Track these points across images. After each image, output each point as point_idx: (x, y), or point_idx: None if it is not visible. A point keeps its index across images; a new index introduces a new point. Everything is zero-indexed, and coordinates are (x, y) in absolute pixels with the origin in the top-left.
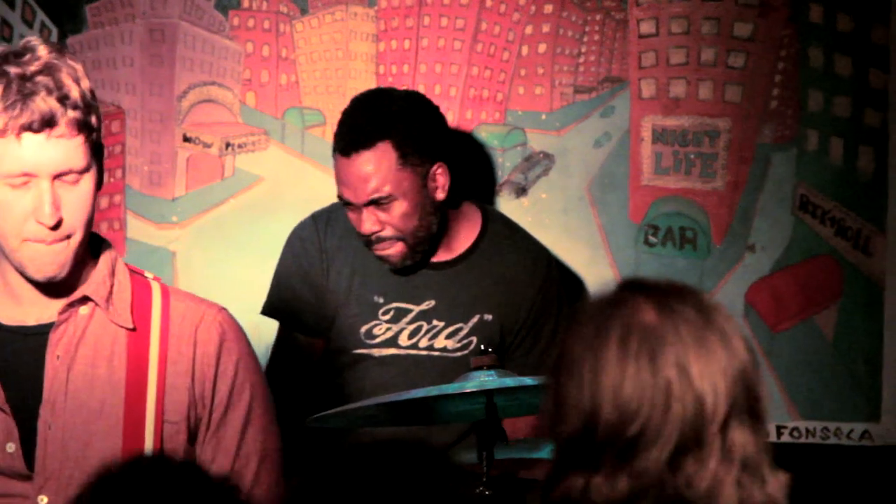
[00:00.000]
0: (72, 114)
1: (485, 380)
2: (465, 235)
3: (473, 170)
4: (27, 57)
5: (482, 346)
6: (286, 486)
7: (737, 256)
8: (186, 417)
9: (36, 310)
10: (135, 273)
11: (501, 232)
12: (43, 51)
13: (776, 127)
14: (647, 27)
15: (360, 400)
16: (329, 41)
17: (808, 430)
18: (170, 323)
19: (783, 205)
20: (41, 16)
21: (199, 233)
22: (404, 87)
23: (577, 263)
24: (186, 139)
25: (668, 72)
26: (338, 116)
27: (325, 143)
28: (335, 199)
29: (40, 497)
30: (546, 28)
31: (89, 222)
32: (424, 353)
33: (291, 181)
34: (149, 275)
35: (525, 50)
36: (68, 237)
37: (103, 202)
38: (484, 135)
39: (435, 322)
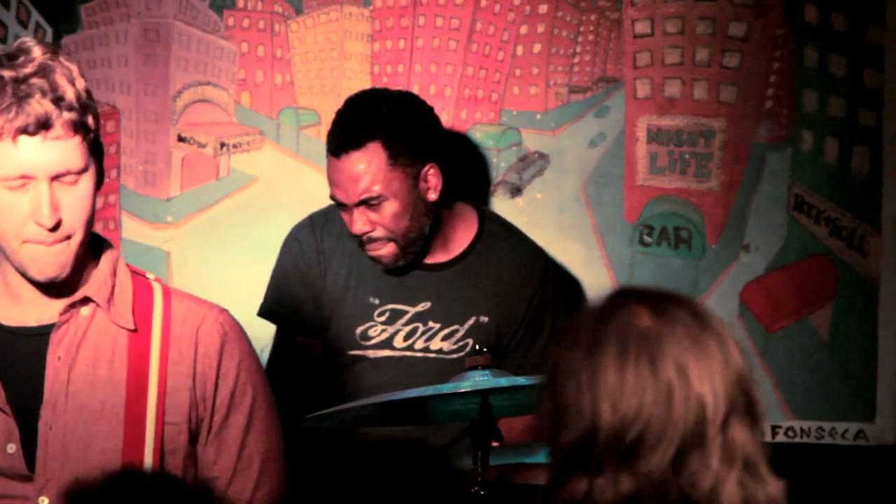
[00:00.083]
0: (67, 115)
1: (480, 380)
2: (461, 237)
3: (468, 170)
4: (21, 59)
5: (478, 348)
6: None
7: (732, 256)
8: (188, 419)
9: (37, 310)
10: (136, 274)
11: (498, 233)
12: (37, 52)
13: (771, 127)
14: (641, 27)
15: (356, 401)
16: (324, 41)
17: (802, 430)
18: (171, 324)
19: (778, 205)
20: (36, 16)
21: (194, 233)
22: (399, 88)
23: (573, 263)
24: (181, 139)
25: (663, 72)
26: (333, 116)
27: (320, 144)
28: (331, 200)
29: (41, 498)
30: (541, 28)
31: (89, 222)
32: (420, 354)
33: (286, 181)
34: (150, 276)
35: (520, 50)
36: (68, 238)
37: (98, 202)
38: (479, 135)
39: (431, 324)
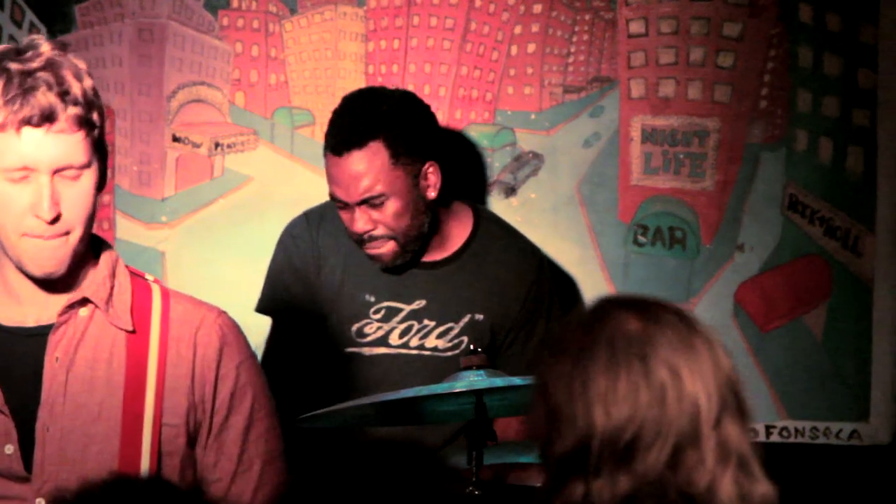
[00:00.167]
0: (72, 110)
1: (474, 379)
2: (456, 235)
3: (464, 170)
4: (29, 54)
5: (472, 346)
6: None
7: (726, 256)
8: (185, 421)
9: (35, 310)
10: (135, 275)
11: (493, 231)
12: (46, 48)
13: (765, 127)
14: (636, 27)
15: (351, 398)
16: (318, 41)
17: (797, 430)
18: (169, 325)
19: (772, 205)
20: (30, 16)
21: (189, 233)
22: (394, 87)
23: (567, 263)
24: (176, 139)
25: (658, 71)
26: (327, 116)
27: (314, 143)
28: (325, 199)
29: (38, 500)
30: (535, 28)
31: (89, 220)
32: (415, 352)
33: (281, 181)
34: (149, 277)
35: (514, 50)
36: (67, 233)
37: None
38: (473, 135)
39: (426, 321)
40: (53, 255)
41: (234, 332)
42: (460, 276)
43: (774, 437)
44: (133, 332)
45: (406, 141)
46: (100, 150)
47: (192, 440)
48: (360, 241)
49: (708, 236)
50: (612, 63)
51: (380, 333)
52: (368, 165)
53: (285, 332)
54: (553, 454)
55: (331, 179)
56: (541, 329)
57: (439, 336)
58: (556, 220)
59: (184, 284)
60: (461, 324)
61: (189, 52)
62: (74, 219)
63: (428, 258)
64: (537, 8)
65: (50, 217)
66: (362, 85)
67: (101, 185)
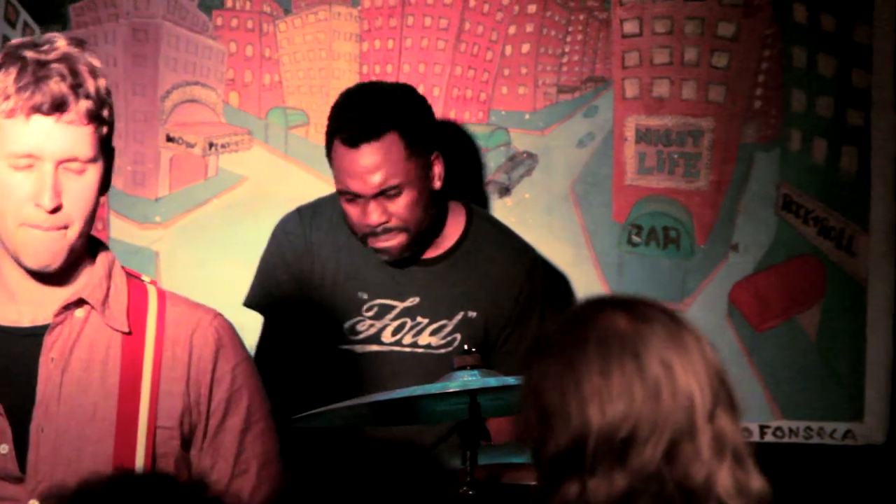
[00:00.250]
0: (84, 103)
1: (468, 379)
2: (449, 233)
3: (457, 169)
4: (46, 47)
5: (466, 344)
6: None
7: (720, 256)
8: (180, 423)
9: (31, 309)
10: (131, 276)
11: (486, 229)
12: (62, 42)
13: (759, 127)
14: (630, 27)
15: (343, 396)
16: (312, 41)
17: (791, 430)
18: (165, 327)
19: (766, 204)
20: (24, 15)
21: (183, 233)
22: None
23: (561, 263)
24: (170, 139)
25: (652, 71)
26: (321, 116)
27: (308, 143)
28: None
29: (31, 501)
30: (529, 28)
31: (90, 217)
32: (408, 349)
33: (275, 181)
34: (146, 278)
35: (508, 50)
36: (66, 227)
37: None
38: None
39: (419, 319)
40: (50, 248)
41: (229, 334)
42: (454, 274)
43: (769, 437)
44: (129, 333)
45: (417, 132)
46: (106, 150)
47: (186, 442)
48: (371, 234)
49: (702, 236)
50: (607, 63)
51: (372, 331)
52: (385, 157)
53: (277, 330)
54: (546, 454)
55: (344, 172)
56: (534, 327)
57: (432, 333)
58: (551, 220)
59: (178, 285)
60: (454, 321)
61: (183, 52)
62: (75, 213)
63: (422, 255)
64: (531, 8)
65: (51, 206)
66: None
67: (104, 186)
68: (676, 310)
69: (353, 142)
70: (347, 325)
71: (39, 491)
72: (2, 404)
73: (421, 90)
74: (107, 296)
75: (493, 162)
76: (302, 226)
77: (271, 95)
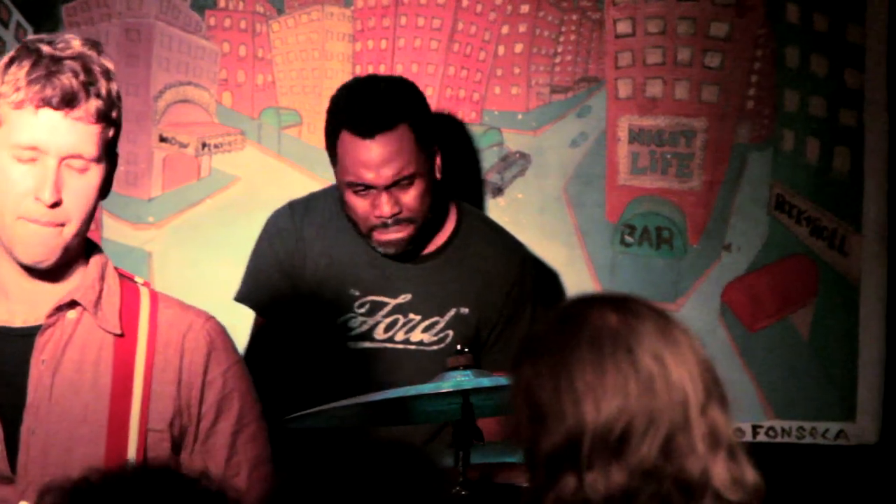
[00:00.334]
0: (94, 101)
1: (461, 380)
2: (441, 230)
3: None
4: (62, 44)
5: (458, 341)
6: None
7: (713, 256)
8: (170, 426)
9: (23, 309)
10: (124, 277)
11: (476, 226)
12: (77, 44)
13: (752, 127)
14: (623, 27)
15: (335, 392)
16: (305, 41)
17: (783, 430)
18: (157, 330)
19: (759, 204)
20: (17, 16)
21: (176, 233)
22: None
23: (554, 263)
24: (162, 139)
25: (645, 72)
26: (315, 116)
27: (301, 144)
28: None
29: (21, 502)
30: (522, 28)
31: (87, 217)
32: (400, 346)
33: (268, 181)
34: (139, 280)
35: (501, 50)
36: (62, 224)
37: None
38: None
39: (411, 315)
40: (45, 244)
41: (221, 337)
42: (445, 271)
43: (761, 437)
44: (121, 335)
45: (424, 124)
46: (110, 154)
47: (176, 445)
48: (382, 226)
49: (695, 236)
50: (600, 63)
51: (364, 328)
52: (399, 147)
53: (268, 325)
54: (540, 452)
55: (357, 164)
56: (524, 324)
57: (425, 330)
58: (544, 220)
59: (170, 285)
60: (447, 317)
61: (176, 53)
62: (73, 211)
63: (417, 251)
64: (524, 8)
65: (51, 201)
66: None
67: (105, 189)
68: (660, 306)
69: (368, 132)
70: (339, 321)
71: (29, 493)
72: None
73: None
74: (99, 297)
75: (485, 162)
76: (294, 221)
77: (264, 96)
